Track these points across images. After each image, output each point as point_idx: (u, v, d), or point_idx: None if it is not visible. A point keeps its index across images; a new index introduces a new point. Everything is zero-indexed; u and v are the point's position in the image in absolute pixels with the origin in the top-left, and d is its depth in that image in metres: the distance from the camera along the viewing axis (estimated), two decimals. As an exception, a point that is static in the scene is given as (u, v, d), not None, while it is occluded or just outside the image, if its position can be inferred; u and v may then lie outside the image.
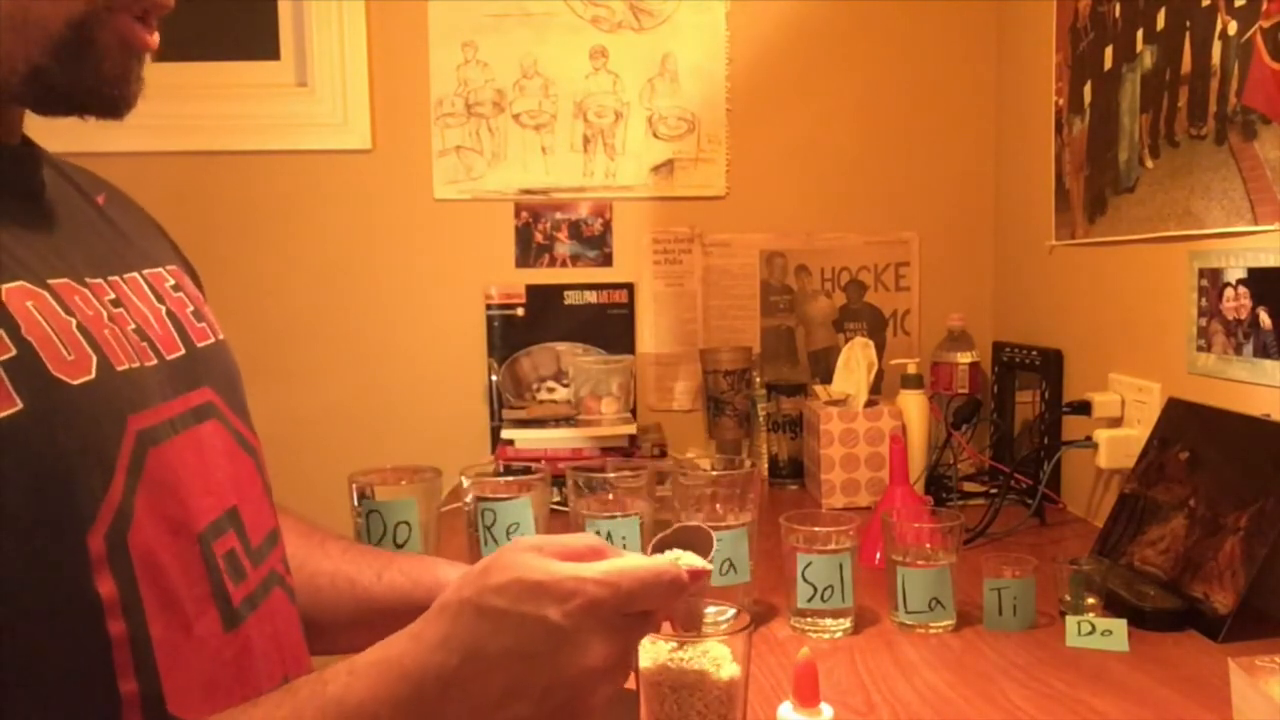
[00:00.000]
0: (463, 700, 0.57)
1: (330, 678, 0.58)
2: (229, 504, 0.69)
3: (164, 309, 0.71)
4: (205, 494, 0.66)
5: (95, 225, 0.72)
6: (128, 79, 0.64)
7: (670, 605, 0.65)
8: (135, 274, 0.71)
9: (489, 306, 1.94)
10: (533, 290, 1.95)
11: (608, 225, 1.98)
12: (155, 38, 0.65)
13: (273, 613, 0.70)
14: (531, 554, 0.61)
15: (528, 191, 1.96)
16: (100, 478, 0.57)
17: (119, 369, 0.61)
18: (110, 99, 0.64)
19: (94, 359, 0.59)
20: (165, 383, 0.66)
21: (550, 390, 1.93)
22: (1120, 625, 1.04)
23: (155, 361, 0.66)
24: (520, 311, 1.95)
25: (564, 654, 0.58)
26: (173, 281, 0.76)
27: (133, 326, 0.66)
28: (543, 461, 1.38)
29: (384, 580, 0.87)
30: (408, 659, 0.58)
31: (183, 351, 0.70)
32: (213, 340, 0.76)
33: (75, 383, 0.57)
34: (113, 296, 0.66)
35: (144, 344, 0.66)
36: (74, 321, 0.59)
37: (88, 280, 0.64)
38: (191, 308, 0.76)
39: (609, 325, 1.97)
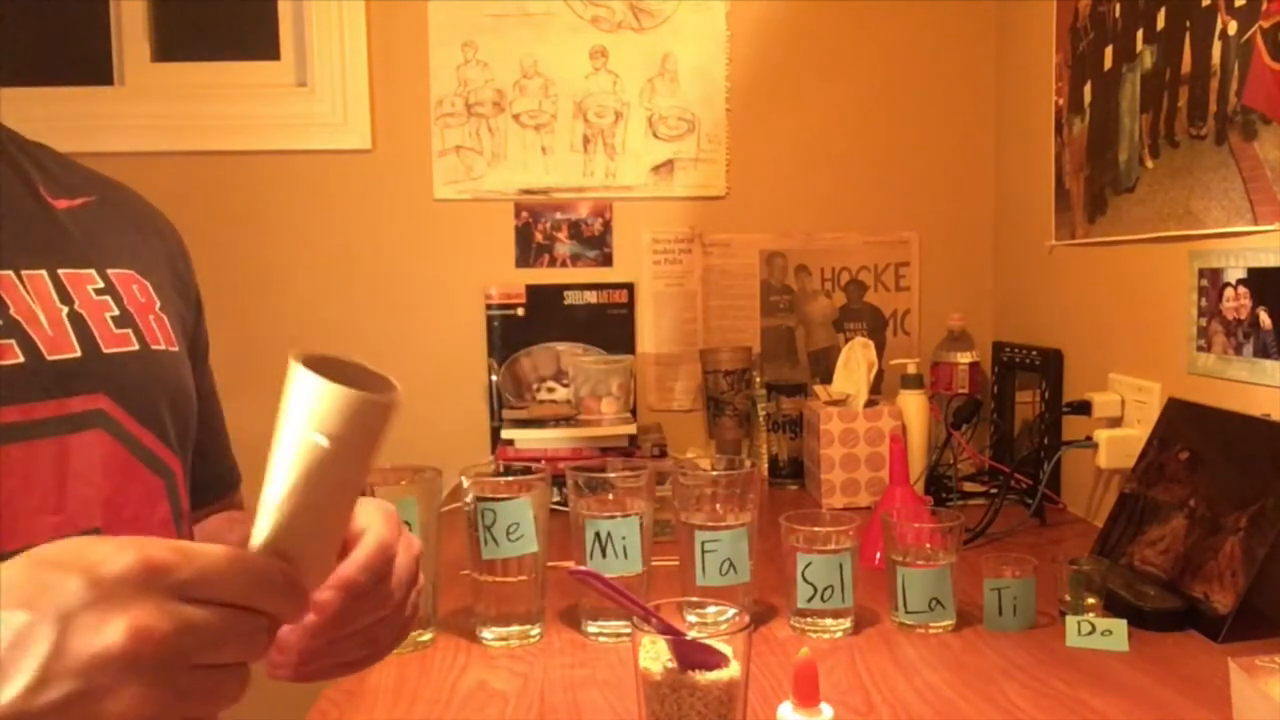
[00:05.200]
0: None
1: None
2: (86, 526, 0.62)
3: (66, 310, 0.67)
4: (48, 511, 0.60)
5: (22, 218, 0.68)
6: None
7: (270, 606, 0.50)
8: (41, 272, 0.67)
9: (489, 306, 1.94)
10: (533, 290, 1.95)
11: (608, 225, 1.97)
12: None
13: None
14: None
15: (528, 191, 1.96)
16: None
17: None
18: None
19: None
20: (33, 385, 0.62)
21: (550, 390, 1.93)
22: (1120, 625, 1.04)
23: (22, 360, 0.62)
24: (520, 311, 1.95)
25: (78, 623, 0.43)
26: (101, 284, 0.70)
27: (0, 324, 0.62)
28: (543, 461, 1.38)
29: None
30: None
31: (77, 354, 0.66)
32: (134, 348, 0.70)
33: None
34: None
35: (9, 341, 0.62)
36: None
37: None
38: (115, 313, 0.70)
39: (609, 325, 1.97)
